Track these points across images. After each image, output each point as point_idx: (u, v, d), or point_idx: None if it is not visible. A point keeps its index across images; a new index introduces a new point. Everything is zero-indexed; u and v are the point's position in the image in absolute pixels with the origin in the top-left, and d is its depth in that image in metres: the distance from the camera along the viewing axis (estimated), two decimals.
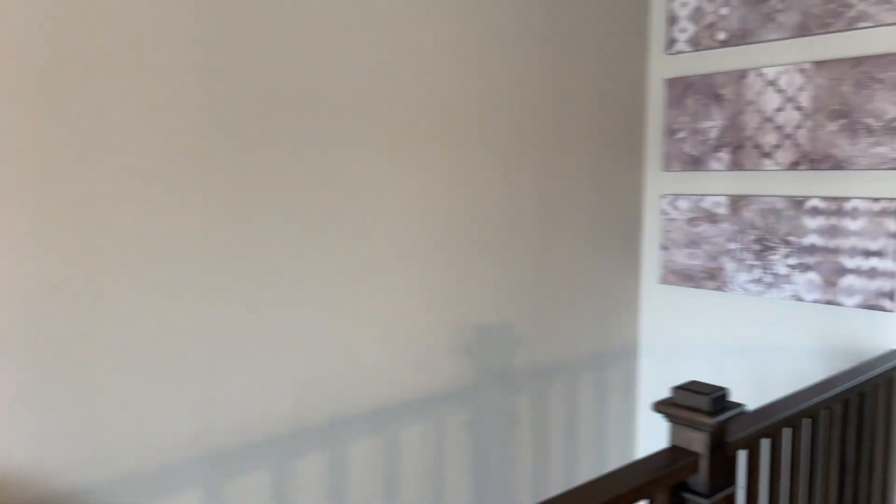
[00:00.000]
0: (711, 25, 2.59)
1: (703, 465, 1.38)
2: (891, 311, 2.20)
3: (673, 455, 1.38)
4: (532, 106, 2.36)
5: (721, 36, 2.56)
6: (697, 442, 1.39)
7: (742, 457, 1.58)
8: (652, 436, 2.87)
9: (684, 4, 2.65)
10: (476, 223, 2.24)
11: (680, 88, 2.69)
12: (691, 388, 1.41)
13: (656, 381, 2.85)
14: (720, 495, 1.39)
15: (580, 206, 2.57)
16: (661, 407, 1.43)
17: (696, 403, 1.39)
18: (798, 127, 2.37)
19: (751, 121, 2.49)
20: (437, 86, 2.09)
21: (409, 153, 2.05)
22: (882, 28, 2.19)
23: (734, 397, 2.60)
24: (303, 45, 1.79)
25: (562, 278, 2.53)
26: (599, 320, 2.70)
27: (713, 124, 2.60)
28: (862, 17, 2.22)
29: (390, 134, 1.99)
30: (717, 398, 1.38)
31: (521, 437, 2.46)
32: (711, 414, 1.37)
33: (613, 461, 2.78)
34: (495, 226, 2.29)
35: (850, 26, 2.25)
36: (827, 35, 2.31)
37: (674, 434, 1.43)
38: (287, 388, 1.85)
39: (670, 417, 1.42)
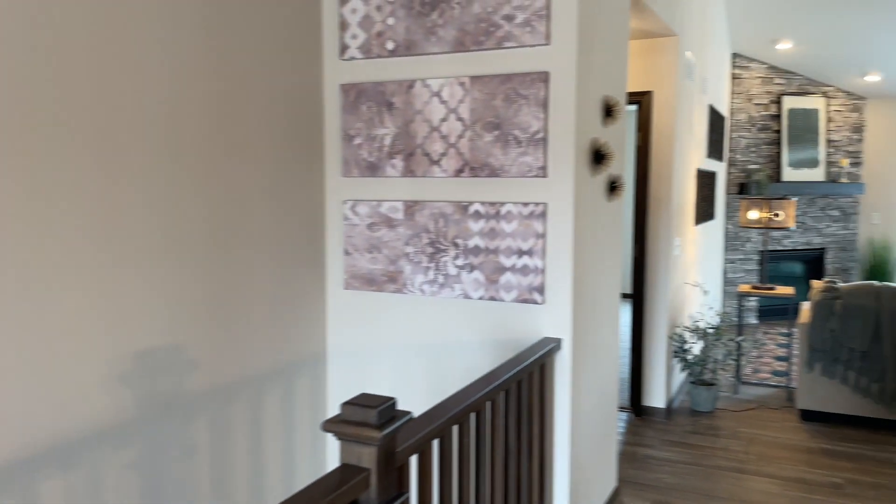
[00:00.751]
0: (381, 34, 2.64)
1: (374, 481, 1.35)
2: (541, 303, 2.46)
3: (343, 475, 1.33)
4: (198, 108, 2.16)
5: (390, 45, 2.63)
6: (367, 457, 1.36)
7: (414, 462, 1.60)
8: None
9: (354, 11, 2.67)
10: (127, 235, 1.97)
11: (354, 94, 2.70)
12: (359, 403, 1.37)
13: (346, 389, 2.83)
14: None
15: (261, 213, 2.43)
16: (330, 426, 1.37)
17: (364, 418, 1.35)
18: (460, 137, 2.53)
19: (420, 129, 2.60)
20: (71, 80, 1.78)
21: (37, 153, 1.71)
22: (525, 49, 2.43)
23: (417, 396, 2.70)
24: None
25: (243, 289, 2.37)
26: (286, 331, 2.60)
27: (387, 131, 2.66)
28: (508, 37, 2.44)
29: (9, 130, 1.64)
30: (384, 410, 1.37)
31: (200, 467, 2.24)
32: (380, 427, 1.35)
33: (303, 480, 2.69)
34: (155, 238, 2.05)
35: (499, 45, 2.46)
36: (480, 52, 2.50)
37: (344, 452, 1.38)
38: None
39: (339, 435, 1.37)
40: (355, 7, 2.67)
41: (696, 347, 4.81)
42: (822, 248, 7.58)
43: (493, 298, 2.53)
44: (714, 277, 6.48)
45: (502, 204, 2.49)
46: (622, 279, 3.18)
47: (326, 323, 2.85)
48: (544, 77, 2.39)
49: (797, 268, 7.66)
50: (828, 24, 6.02)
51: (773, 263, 7.39)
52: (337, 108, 2.75)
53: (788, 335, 5.46)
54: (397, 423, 1.39)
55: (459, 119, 2.53)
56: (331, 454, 2.86)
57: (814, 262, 7.62)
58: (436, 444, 1.70)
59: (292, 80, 2.58)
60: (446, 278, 2.60)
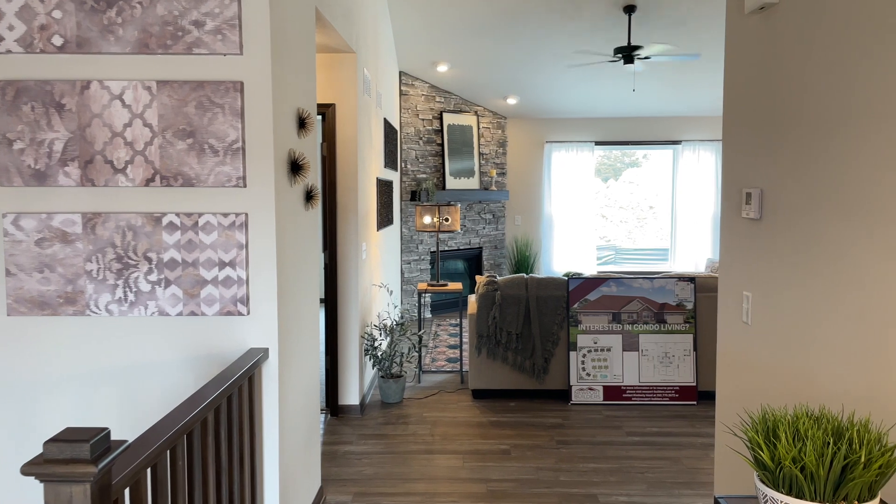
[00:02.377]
0: (45, 28, 2.35)
1: None
2: (246, 314, 2.44)
3: None
4: None
5: (58, 41, 2.36)
6: (80, 496, 1.25)
7: (128, 494, 1.50)
8: (26, 499, 2.47)
9: None
10: None
11: (13, 93, 2.36)
12: (65, 438, 1.24)
13: (12, 432, 2.45)
14: None
15: None
16: (31, 468, 1.22)
17: (74, 454, 1.23)
18: (149, 144, 2.38)
19: (100, 134, 2.38)
20: None
21: None
22: (217, 57, 2.38)
23: (113, 429, 2.45)
24: None
25: None
26: None
27: (57, 136, 2.38)
28: (198, 43, 2.37)
29: None
30: (97, 441, 1.26)
31: None
32: (94, 461, 1.24)
33: None
34: None
35: (189, 51, 2.37)
36: (167, 56, 2.38)
37: (49, 495, 1.24)
38: None
39: (44, 477, 1.23)
40: None
41: (385, 344, 5.16)
42: (480, 248, 8.67)
43: (193, 313, 2.43)
44: (394, 278, 6.99)
45: (200, 214, 2.40)
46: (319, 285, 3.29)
47: None
48: (239, 87, 2.37)
49: (461, 265, 8.65)
50: (476, 52, 6.93)
51: (442, 262, 8.23)
52: None
53: (458, 325, 6.15)
54: (114, 454, 1.29)
55: (147, 125, 2.38)
56: None
57: (474, 260, 8.69)
58: (149, 472, 1.61)
59: None
60: (138, 296, 2.42)
